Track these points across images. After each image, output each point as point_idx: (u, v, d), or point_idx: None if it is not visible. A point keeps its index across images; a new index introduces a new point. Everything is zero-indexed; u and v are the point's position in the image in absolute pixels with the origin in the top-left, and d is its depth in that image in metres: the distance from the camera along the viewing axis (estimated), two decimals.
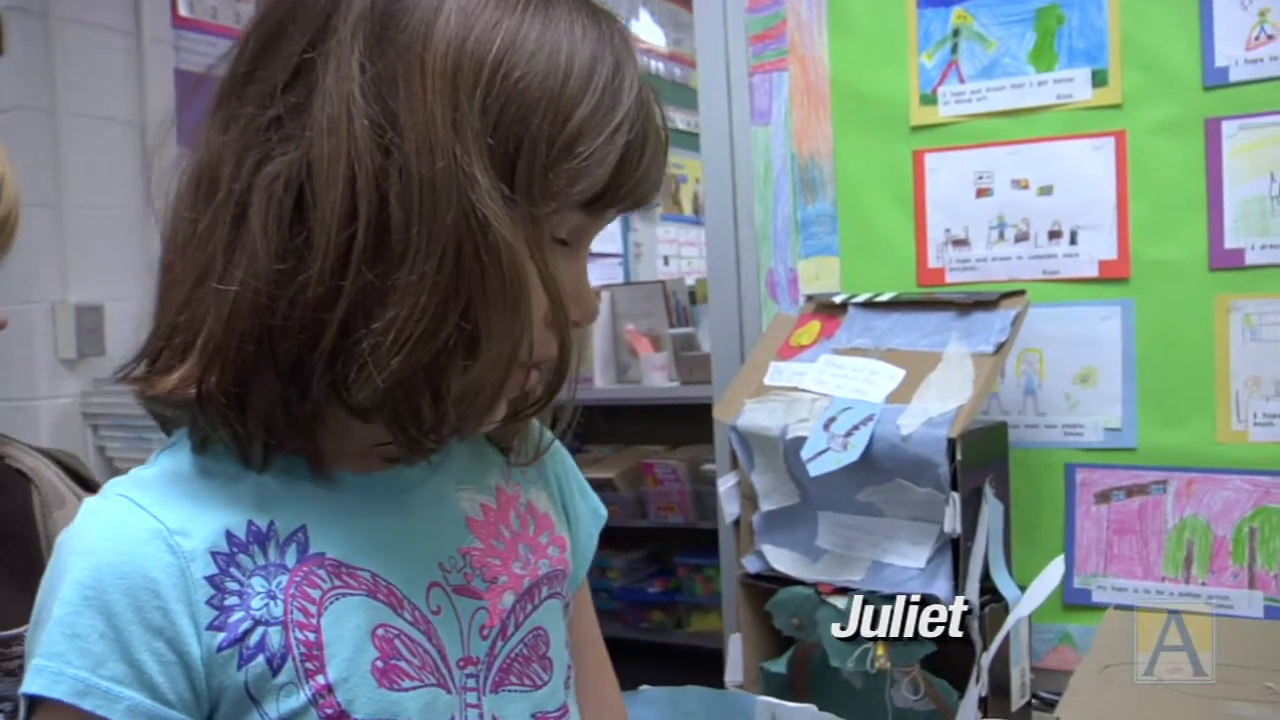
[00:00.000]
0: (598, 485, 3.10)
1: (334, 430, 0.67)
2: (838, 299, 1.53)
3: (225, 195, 0.63)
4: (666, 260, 5.39)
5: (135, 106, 2.85)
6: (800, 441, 1.38)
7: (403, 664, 0.67)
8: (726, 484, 1.51)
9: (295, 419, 0.65)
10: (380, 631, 0.67)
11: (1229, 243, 1.38)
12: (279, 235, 0.61)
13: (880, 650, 1.34)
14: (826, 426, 1.37)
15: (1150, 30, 1.41)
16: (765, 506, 1.47)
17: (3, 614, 0.89)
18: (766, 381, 1.50)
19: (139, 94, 2.85)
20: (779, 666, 1.47)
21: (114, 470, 2.64)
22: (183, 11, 2.99)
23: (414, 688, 0.67)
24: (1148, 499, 1.43)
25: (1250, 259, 1.37)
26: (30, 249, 2.84)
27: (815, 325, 1.54)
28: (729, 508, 1.52)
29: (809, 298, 1.59)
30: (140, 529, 0.63)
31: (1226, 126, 1.37)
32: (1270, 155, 1.35)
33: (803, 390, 1.45)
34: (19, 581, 0.88)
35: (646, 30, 5.65)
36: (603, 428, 3.87)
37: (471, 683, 0.71)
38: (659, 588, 3.58)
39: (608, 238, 5.08)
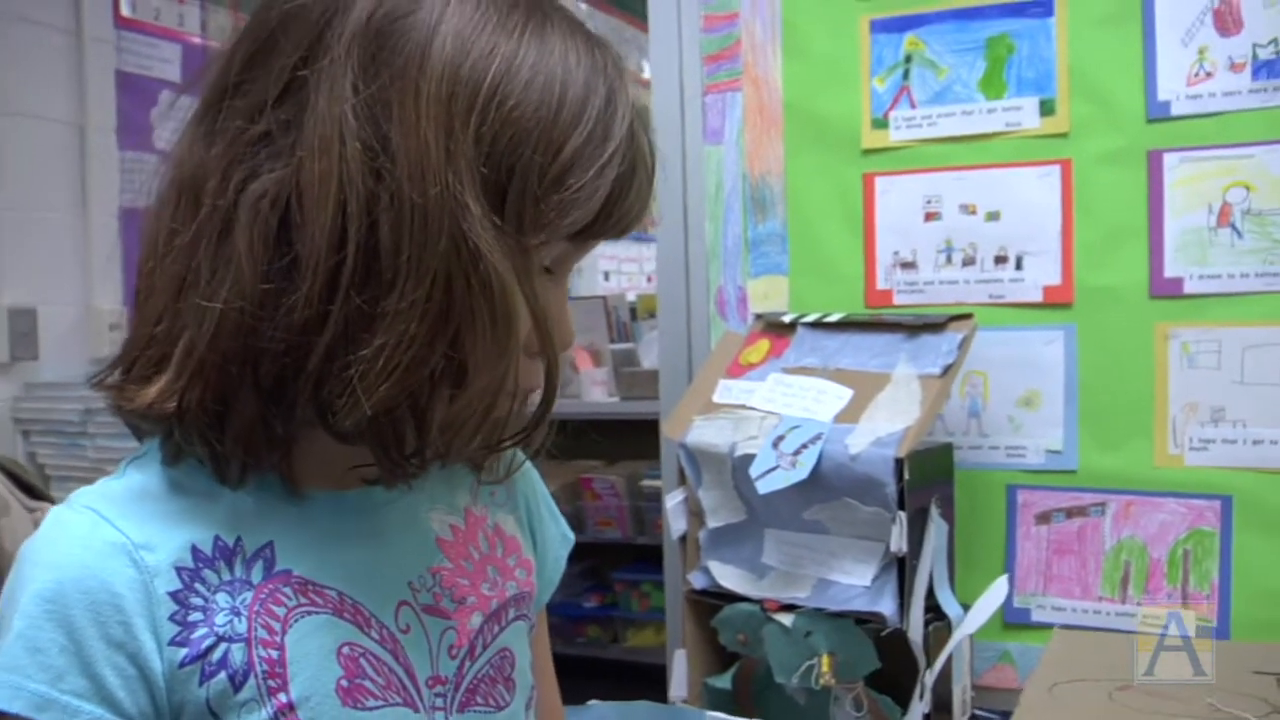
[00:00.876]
0: None
1: (310, 449, 0.67)
2: (787, 318, 1.54)
3: (210, 210, 0.62)
4: (607, 276, 5.40)
5: (75, 107, 2.80)
6: (748, 459, 1.39)
7: (368, 683, 0.66)
8: (673, 500, 1.52)
9: (274, 439, 0.64)
10: (346, 650, 0.66)
11: (1169, 271, 1.41)
12: (265, 254, 0.61)
13: (825, 667, 1.36)
14: (775, 445, 1.38)
15: (1097, 63, 1.44)
16: (712, 523, 1.47)
17: None
18: (715, 399, 1.51)
19: (79, 94, 2.80)
20: (723, 683, 1.47)
21: (45, 477, 2.58)
22: (125, 12, 2.94)
23: (378, 707, 0.67)
24: (1087, 520, 1.46)
25: (1189, 288, 1.40)
26: None
27: (764, 344, 1.55)
28: (675, 524, 1.52)
29: (758, 316, 1.60)
30: (104, 542, 0.62)
31: (1168, 158, 1.41)
32: (1209, 188, 1.39)
33: (751, 408, 1.46)
34: None
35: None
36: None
37: (440, 702, 0.70)
38: (595, 602, 3.57)
39: None
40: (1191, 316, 1.40)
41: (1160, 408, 1.42)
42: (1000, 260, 1.50)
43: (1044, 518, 1.48)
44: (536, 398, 0.68)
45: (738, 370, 1.54)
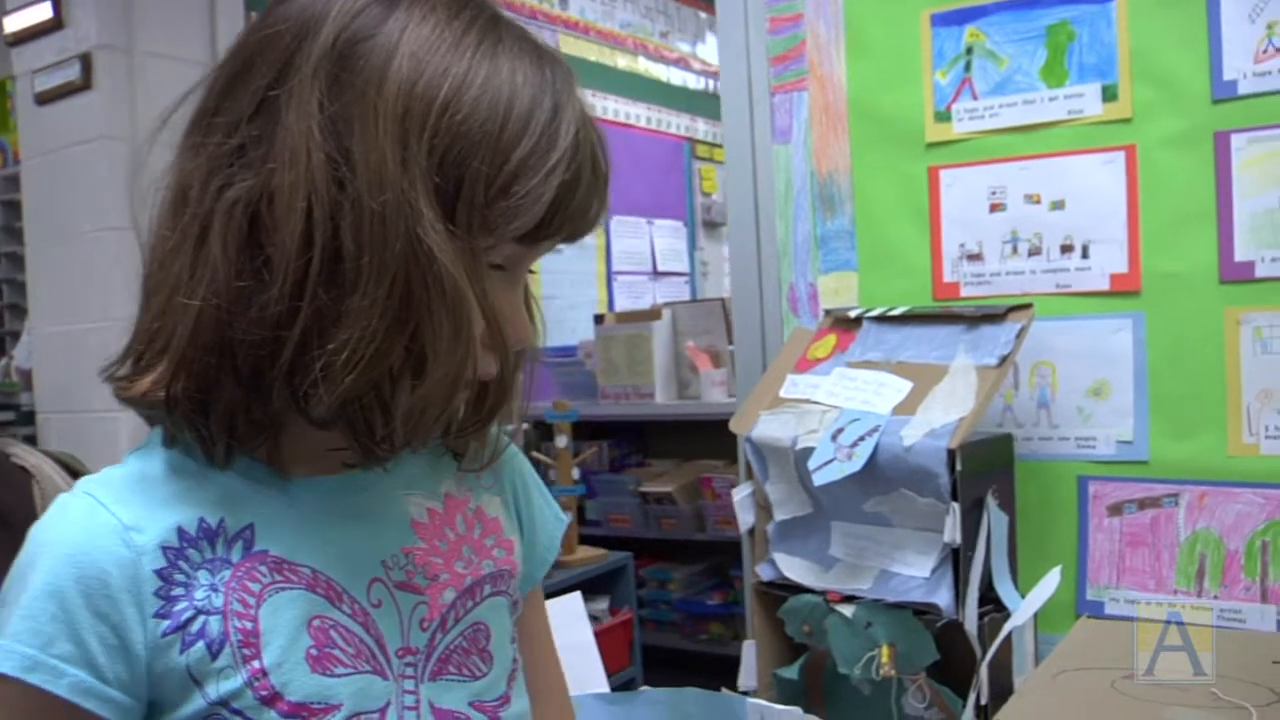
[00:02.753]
0: (657, 499, 3.12)
1: (294, 435, 0.73)
2: (853, 313, 1.56)
3: (191, 216, 0.69)
4: None
5: None
6: (809, 452, 1.41)
7: (337, 652, 0.72)
8: (741, 494, 1.55)
9: (256, 424, 0.71)
10: (316, 622, 0.72)
11: (1239, 255, 1.38)
12: (237, 256, 0.67)
13: (885, 658, 1.37)
14: (834, 437, 1.40)
15: (1159, 45, 1.42)
16: (779, 516, 1.50)
17: None
18: (782, 394, 1.53)
19: None
20: (791, 673, 1.49)
21: None
22: None
23: (347, 674, 0.72)
24: (1160, 512, 1.43)
25: (1260, 271, 1.37)
26: (110, 271, 2.99)
27: (832, 339, 1.57)
28: (743, 517, 1.55)
29: (827, 312, 1.62)
30: (98, 524, 0.69)
31: (1236, 139, 1.38)
32: None
33: (815, 402, 1.48)
34: None
35: (715, 54, 5.70)
36: (663, 442, 3.91)
37: (410, 671, 0.75)
38: (718, 600, 3.61)
39: (674, 256, 5.14)
40: (1264, 301, 1.36)
41: (1233, 396, 1.38)
42: (1066, 249, 1.49)
43: (1116, 509, 1.46)
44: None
45: (805, 365, 1.56)
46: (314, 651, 0.71)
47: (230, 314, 0.67)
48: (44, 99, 3.17)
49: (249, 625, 0.70)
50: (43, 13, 3.13)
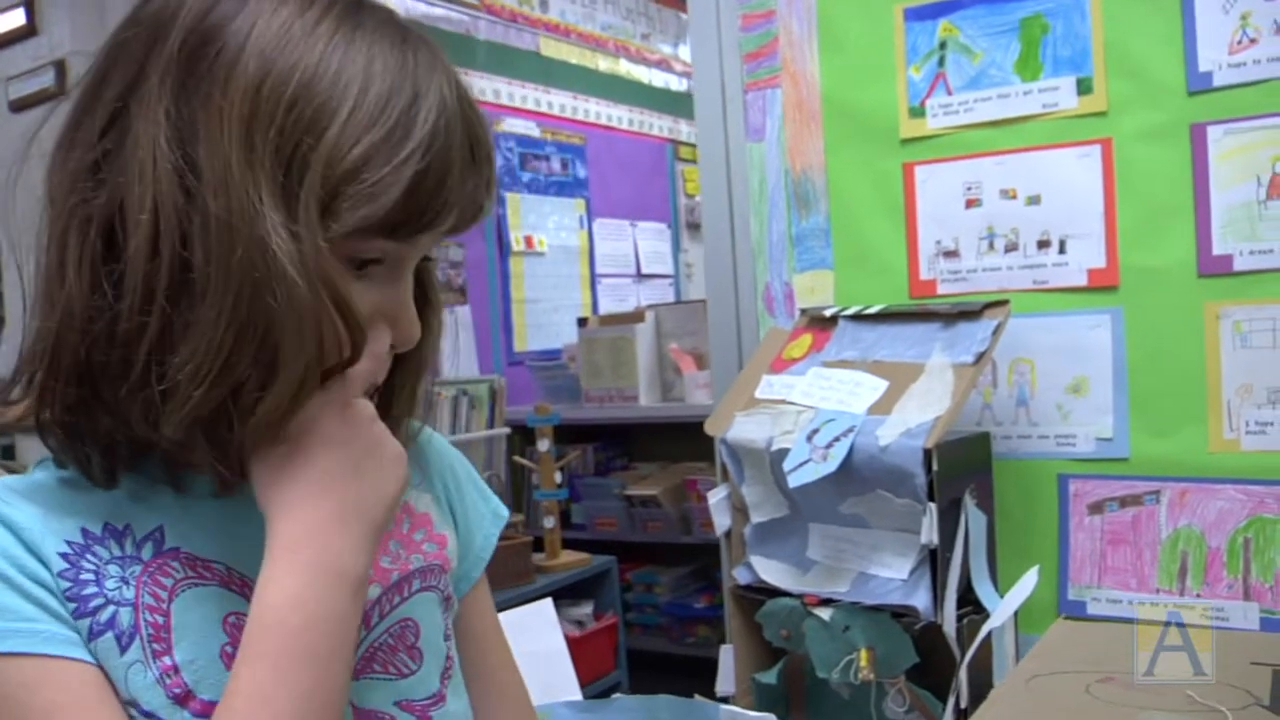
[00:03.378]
0: (642, 502, 3.08)
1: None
2: (828, 312, 1.54)
3: (50, 235, 0.67)
4: None
5: None
6: (784, 453, 1.39)
7: None
8: (716, 496, 1.53)
9: (129, 445, 0.68)
10: (232, 619, 0.70)
11: (1217, 249, 1.36)
12: (91, 275, 0.64)
13: (864, 662, 1.35)
14: (809, 438, 1.38)
15: (1134, 37, 1.40)
16: (756, 518, 1.48)
17: None
18: (757, 395, 1.51)
19: None
20: (770, 678, 1.47)
21: None
22: None
23: None
24: (1141, 509, 1.41)
25: (1239, 265, 1.35)
26: None
27: (807, 338, 1.55)
28: (720, 520, 1.53)
29: (803, 311, 1.60)
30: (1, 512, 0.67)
31: (1212, 131, 1.36)
32: (1257, 159, 1.34)
33: (791, 403, 1.46)
34: None
35: None
36: (647, 445, 3.89)
37: None
38: (704, 603, 3.59)
39: (657, 258, 5.11)
40: (1242, 294, 1.35)
41: (1213, 391, 1.37)
42: (1043, 245, 1.47)
43: (1096, 507, 1.44)
44: None
45: (781, 365, 1.54)
46: (229, 649, 0.69)
47: (85, 335, 0.65)
48: (18, 106, 3.16)
49: (160, 620, 0.68)
50: (16, 19, 3.11)
